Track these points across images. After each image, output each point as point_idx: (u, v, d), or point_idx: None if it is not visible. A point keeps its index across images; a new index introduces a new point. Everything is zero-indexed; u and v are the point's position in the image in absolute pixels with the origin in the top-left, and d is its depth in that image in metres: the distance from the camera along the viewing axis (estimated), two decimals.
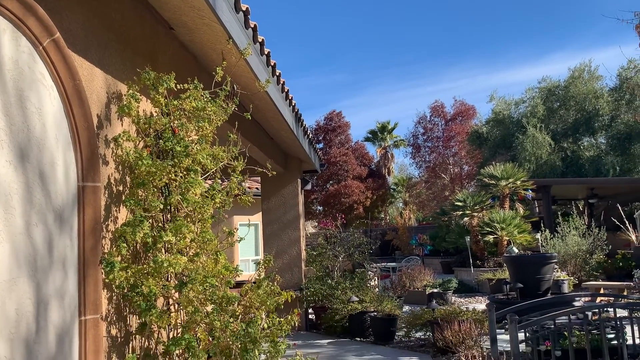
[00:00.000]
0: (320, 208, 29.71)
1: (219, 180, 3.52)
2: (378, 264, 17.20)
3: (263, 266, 3.63)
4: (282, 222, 10.06)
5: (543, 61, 56.06)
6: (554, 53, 57.52)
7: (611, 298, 7.46)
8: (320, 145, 30.23)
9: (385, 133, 35.42)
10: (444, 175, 32.51)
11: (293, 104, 6.59)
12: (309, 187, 10.73)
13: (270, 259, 3.63)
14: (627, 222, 15.57)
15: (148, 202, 3.04)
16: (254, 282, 3.46)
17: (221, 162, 3.47)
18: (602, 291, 11.96)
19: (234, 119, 5.06)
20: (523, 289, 9.65)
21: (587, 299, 10.08)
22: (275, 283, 3.54)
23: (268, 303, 3.32)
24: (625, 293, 11.59)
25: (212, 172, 3.52)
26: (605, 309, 5.55)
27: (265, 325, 4.01)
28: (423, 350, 7.53)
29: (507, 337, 6.67)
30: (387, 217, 35.04)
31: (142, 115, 3.29)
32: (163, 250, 3.19)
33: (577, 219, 15.01)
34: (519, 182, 16.22)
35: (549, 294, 10.04)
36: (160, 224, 3.21)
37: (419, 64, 63.97)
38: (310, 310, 10.16)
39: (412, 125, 34.16)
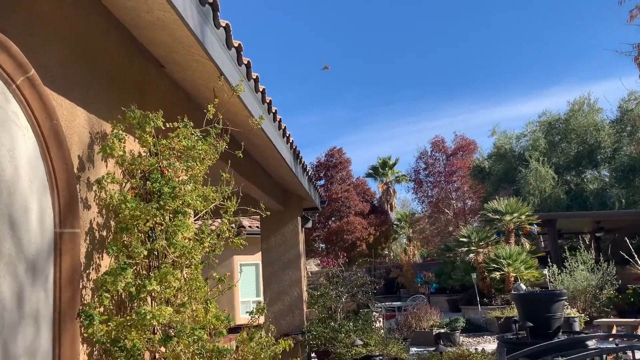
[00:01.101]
0: (323, 245, 29.34)
1: (209, 222, 3.30)
2: (383, 304, 16.78)
3: (256, 314, 3.35)
4: (282, 261, 9.78)
5: (542, 95, 56.53)
6: (552, 87, 58.05)
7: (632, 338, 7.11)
8: (322, 182, 30.11)
9: (387, 169, 35.37)
10: (447, 211, 32.23)
11: (291, 141, 6.44)
12: (309, 225, 10.50)
13: (264, 307, 3.34)
14: (635, 256, 15.23)
15: (132, 248, 2.83)
16: (247, 334, 3.20)
17: (212, 203, 3.27)
18: (615, 328, 11.54)
19: (228, 157, 4.89)
20: (533, 328, 9.28)
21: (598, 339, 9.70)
22: (270, 333, 3.27)
23: (262, 356, 3.05)
24: (638, 330, 11.18)
25: (202, 214, 3.32)
26: (624, 351, 5.22)
27: None
28: None
29: None
30: (391, 254, 34.60)
31: (128, 155, 3.12)
32: (149, 299, 2.97)
33: (585, 253, 14.68)
34: (523, 217, 15.97)
35: (560, 333, 9.65)
36: (145, 271, 2.99)
37: (418, 100, 64.56)
38: (313, 355, 9.78)
39: (414, 161, 34.30)
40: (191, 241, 3.10)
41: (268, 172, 8.04)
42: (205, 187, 3.38)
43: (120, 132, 3.00)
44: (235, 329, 9.69)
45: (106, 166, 3.07)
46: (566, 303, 10.98)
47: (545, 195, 20.97)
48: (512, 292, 13.97)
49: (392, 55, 62.59)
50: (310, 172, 8.74)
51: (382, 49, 61.99)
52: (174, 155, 3.18)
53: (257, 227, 14.82)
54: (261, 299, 10.16)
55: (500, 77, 61.40)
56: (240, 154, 3.49)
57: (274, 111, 5.18)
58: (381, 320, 12.60)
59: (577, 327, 11.59)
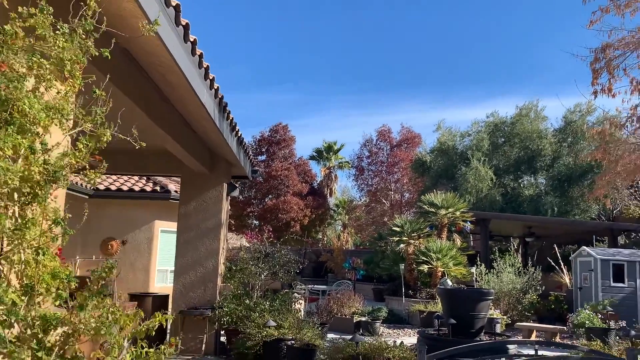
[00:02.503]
0: (257, 222, 28.48)
1: (48, 139, 2.43)
2: (308, 286, 16.22)
3: (102, 272, 2.49)
4: (200, 229, 8.93)
5: (491, 103, 57.63)
6: (503, 97, 59.25)
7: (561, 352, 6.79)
8: (263, 158, 29.14)
9: (331, 153, 34.80)
10: (384, 201, 32.09)
11: (215, 87, 5.58)
12: (236, 193, 9.68)
13: (112, 265, 2.48)
14: (562, 264, 15.37)
15: None
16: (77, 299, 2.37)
17: (65, 117, 2.40)
18: (534, 333, 11.45)
19: (121, 80, 4.00)
20: (456, 326, 8.92)
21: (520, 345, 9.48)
22: (118, 301, 2.46)
23: (106, 333, 2.25)
24: (558, 337, 11.13)
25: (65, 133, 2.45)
26: None
27: (128, 358, 2.97)
28: None
29: None
30: (325, 239, 34.21)
31: None
32: None
33: (515, 256, 14.63)
34: (458, 213, 15.76)
35: (483, 334, 9.36)
36: None
37: (372, 94, 64.43)
38: (222, 333, 9.03)
39: (358, 148, 33.73)
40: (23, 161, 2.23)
41: (193, 127, 7.14)
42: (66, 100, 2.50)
43: None
44: (140, 297, 8.75)
45: None
46: (491, 303, 10.71)
47: (482, 195, 21.01)
48: (439, 286, 13.72)
49: (351, 45, 61.97)
50: (241, 134, 7.90)
51: (344, 38, 61.20)
52: (16, 48, 2.29)
53: (176, 191, 13.82)
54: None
55: (452, 82, 62.03)
56: (107, 53, 2.61)
57: (192, 40, 4.32)
58: (302, 303, 12.00)
59: (498, 328, 11.40)
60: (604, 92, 11.17)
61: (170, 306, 8.94)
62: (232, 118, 6.93)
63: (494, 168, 21.98)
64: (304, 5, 59.84)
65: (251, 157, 9.65)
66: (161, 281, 14.73)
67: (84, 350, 3.02)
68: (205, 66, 4.96)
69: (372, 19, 57.62)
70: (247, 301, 8.85)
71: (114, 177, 14.96)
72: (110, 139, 2.76)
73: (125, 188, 14.13)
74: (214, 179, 8.97)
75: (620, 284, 13.12)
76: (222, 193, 9.00)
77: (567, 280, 15.25)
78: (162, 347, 3.20)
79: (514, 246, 15.79)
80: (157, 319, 3.28)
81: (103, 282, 2.34)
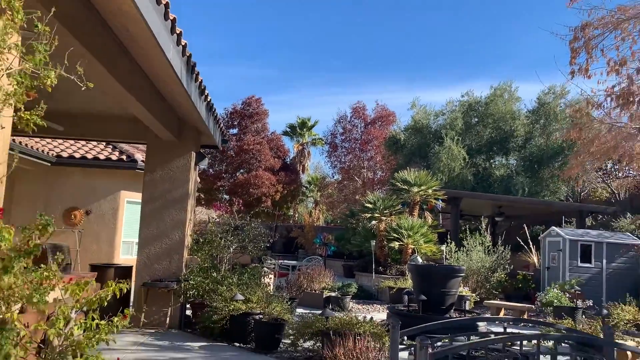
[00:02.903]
0: (227, 197, 28.07)
1: None
2: (278, 261, 16.02)
3: (35, 232, 2.16)
4: (166, 199, 8.57)
5: (467, 85, 57.69)
6: (479, 78, 59.43)
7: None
8: (234, 131, 28.59)
9: (305, 129, 34.43)
10: (357, 179, 31.98)
11: (183, 44, 5.19)
12: (205, 163, 9.31)
13: (48, 221, 2.15)
14: (531, 244, 15.51)
15: None
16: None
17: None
18: (503, 311, 11.51)
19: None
20: (426, 302, 8.84)
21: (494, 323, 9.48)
22: (53, 264, 2.16)
23: (37, 300, 1.94)
24: (525, 315, 11.20)
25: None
26: (533, 340, 4.64)
27: (76, 331, 2.69)
28: None
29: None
30: (296, 215, 34.03)
31: None
32: None
33: (486, 235, 14.67)
34: (430, 191, 15.70)
35: (453, 310, 9.32)
36: None
37: (345, 73, 63.89)
38: (188, 306, 8.75)
39: (332, 124, 33.40)
40: None
41: (160, 91, 6.74)
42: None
43: None
44: (101, 268, 8.37)
45: None
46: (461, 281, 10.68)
47: (454, 174, 21.02)
48: (410, 262, 13.69)
49: (325, 24, 61.06)
50: (210, 99, 7.51)
51: (315, 13, 60.17)
52: None
53: (142, 161, 13.32)
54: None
55: (425, 64, 61.85)
56: None
57: None
58: (272, 277, 11.80)
59: (467, 306, 11.42)
60: (581, 73, 11.08)
61: (133, 278, 8.60)
62: (201, 80, 6.55)
63: (466, 148, 22.00)
64: None
65: (221, 125, 9.28)
66: (126, 253, 14.33)
67: (29, 322, 2.71)
68: (171, 18, 4.57)
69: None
70: (215, 274, 8.58)
71: (79, 144, 14.37)
72: (55, 82, 2.42)
73: (89, 156, 13.59)
74: (181, 147, 8.58)
75: (587, 265, 13.29)
76: (190, 162, 8.63)
77: (535, 260, 15.42)
78: (115, 319, 2.92)
79: (482, 226, 15.87)
80: (111, 288, 3.00)
81: (38, 242, 2.02)
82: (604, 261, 13.31)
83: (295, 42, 64.10)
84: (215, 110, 8.18)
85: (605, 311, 6.11)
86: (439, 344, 4.96)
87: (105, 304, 2.98)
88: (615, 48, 11.40)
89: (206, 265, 8.84)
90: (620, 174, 20.15)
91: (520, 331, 8.91)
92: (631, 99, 7.71)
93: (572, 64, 11.27)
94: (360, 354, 4.96)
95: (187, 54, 5.50)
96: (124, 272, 8.65)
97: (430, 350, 3.69)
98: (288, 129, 34.58)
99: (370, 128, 31.05)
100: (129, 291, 9.09)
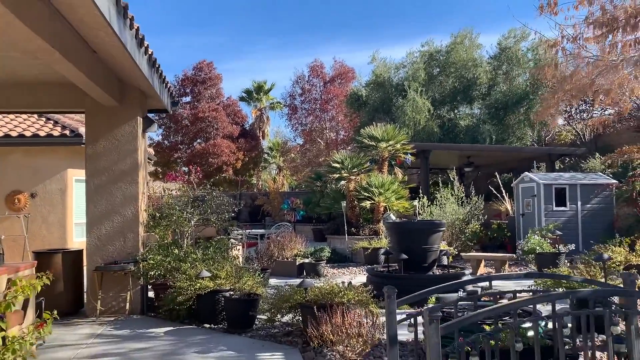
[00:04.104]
0: (186, 169, 26.87)
1: None
2: (245, 231, 15.25)
3: None
4: (114, 172, 7.61)
5: (426, 37, 56.54)
6: (438, 30, 58.63)
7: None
8: (187, 99, 27.19)
9: (262, 94, 33.26)
10: (319, 140, 31.18)
11: None
12: (154, 129, 8.33)
13: None
14: (503, 192, 15.19)
15: None
16: None
17: None
18: (483, 262, 11.13)
19: None
20: (407, 261, 8.27)
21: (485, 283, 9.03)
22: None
23: None
24: (507, 265, 10.85)
25: None
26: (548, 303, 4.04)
27: None
28: (290, 342, 5.74)
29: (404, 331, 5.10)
30: (260, 183, 33.15)
31: None
32: None
33: (458, 186, 14.22)
34: (399, 145, 15.09)
35: (436, 267, 8.80)
36: None
37: (299, 35, 62.12)
38: (150, 288, 7.93)
39: (290, 85, 32.26)
40: None
41: (90, 43, 5.71)
42: None
43: None
44: (47, 254, 7.42)
45: None
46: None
47: (420, 127, 20.46)
48: (386, 221, 13.15)
49: None
50: (152, 52, 6.52)
51: None
52: None
53: (78, 134, 12.19)
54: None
55: (381, 21, 60.51)
56: None
57: None
58: (240, 249, 11.03)
59: (445, 260, 10.98)
60: (549, 7, 10.46)
61: (85, 262, 7.70)
62: (138, 28, 5.56)
63: (430, 99, 21.40)
64: None
65: (169, 84, 8.28)
66: (81, 236, 13.22)
67: None
68: None
69: None
70: (176, 251, 7.76)
71: (15, 122, 13.05)
72: None
73: (28, 134, 12.33)
74: (125, 112, 7.59)
75: (563, 208, 13.03)
76: (137, 129, 7.66)
77: (509, 207, 15.13)
78: (28, 328, 2.12)
79: (454, 177, 15.46)
80: (24, 287, 2.17)
81: None
82: (579, 203, 13.08)
83: (243, 8, 61.70)
84: (159, 66, 7.19)
85: (605, 255, 5.61)
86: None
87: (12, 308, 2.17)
88: None
89: (166, 241, 8.00)
90: (585, 115, 20.03)
91: (501, 283, 8.50)
92: (616, 25, 7.13)
93: None
94: (351, 330, 4.28)
95: None
96: (74, 258, 7.73)
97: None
98: (244, 94, 33.32)
99: (330, 87, 30.10)
100: (82, 277, 8.22)
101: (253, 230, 16.37)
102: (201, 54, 66.18)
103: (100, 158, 7.60)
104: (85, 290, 7.75)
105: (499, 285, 7.91)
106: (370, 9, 59.34)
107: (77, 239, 13.05)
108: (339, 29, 61.51)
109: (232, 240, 10.28)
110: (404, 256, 8.23)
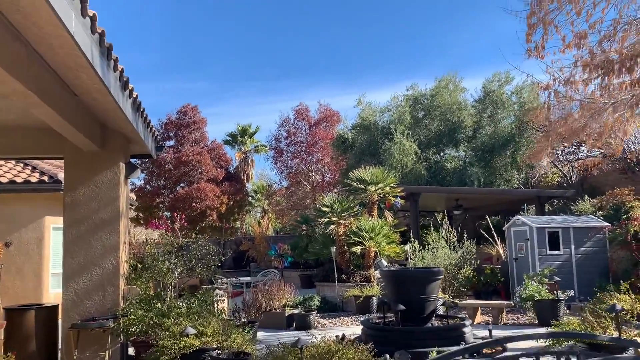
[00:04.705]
0: (168, 214, 26.24)
1: None
2: (230, 279, 14.68)
3: None
4: (93, 221, 7.17)
5: (410, 81, 57.47)
6: (421, 74, 59.51)
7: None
8: (171, 143, 26.85)
9: (246, 137, 33.08)
10: (305, 183, 30.90)
11: (91, 15, 3.93)
12: (137, 175, 7.96)
13: None
14: (495, 235, 14.92)
15: None
16: None
17: None
18: (479, 310, 10.72)
19: None
20: (405, 312, 7.85)
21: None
22: None
23: None
24: (504, 313, 10.45)
25: None
26: None
27: None
28: None
29: None
30: (244, 227, 32.57)
31: None
32: None
33: (451, 230, 13.92)
34: (388, 188, 14.83)
35: (434, 318, 8.37)
36: None
37: (285, 80, 62.85)
38: (130, 344, 7.37)
39: (275, 128, 32.13)
40: None
41: (71, 86, 5.39)
42: None
43: None
44: (18, 311, 6.85)
45: None
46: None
47: (407, 170, 20.32)
48: (381, 269, 12.74)
49: (260, 32, 59.79)
50: (137, 95, 6.22)
51: (250, 22, 58.79)
52: None
53: (57, 181, 11.73)
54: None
55: (364, 67, 61.46)
56: None
57: None
58: (226, 300, 10.49)
59: (441, 310, 10.53)
60: (537, 51, 10.48)
61: (60, 318, 7.14)
62: (122, 70, 5.26)
63: (417, 142, 21.37)
64: None
65: (154, 129, 7.95)
66: (57, 286, 12.51)
67: None
68: None
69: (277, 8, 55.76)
70: (159, 305, 7.24)
71: None
72: None
73: (4, 180, 11.81)
74: (107, 158, 7.21)
75: (557, 252, 12.75)
76: (119, 175, 7.27)
77: (501, 251, 14.83)
78: None
79: (445, 221, 15.20)
80: None
81: None
82: (572, 247, 12.82)
83: (228, 54, 62.36)
84: (144, 110, 6.87)
85: (618, 306, 5.29)
86: None
87: None
88: (570, 24, 10.86)
89: (148, 295, 7.49)
90: (571, 157, 20.10)
91: (500, 332, 8.07)
92: (611, 67, 7.04)
93: (529, 41, 10.64)
94: None
95: (99, 31, 4.23)
96: (47, 314, 7.20)
97: None
98: (229, 138, 33.11)
99: (315, 130, 30.06)
100: (56, 335, 7.63)
101: (239, 278, 15.79)
102: (186, 99, 66.35)
103: (80, 206, 7.16)
104: (59, 348, 7.17)
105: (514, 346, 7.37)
106: (355, 54, 60.40)
107: (53, 290, 12.39)
108: (323, 73, 62.35)
109: (217, 291, 9.77)
110: (402, 307, 7.81)
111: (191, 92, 62.89)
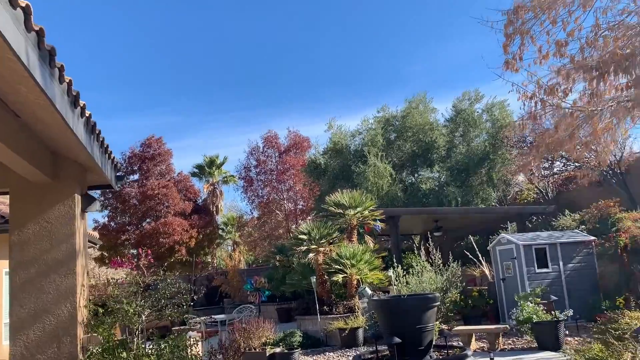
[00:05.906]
0: (134, 251, 24.96)
1: None
2: (203, 318, 13.66)
3: None
4: (45, 262, 6.26)
5: (380, 103, 57.34)
6: (391, 97, 59.49)
7: None
8: (135, 177, 25.75)
9: (214, 168, 32.15)
10: (278, 212, 30.03)
11: (37, 29, 3.20)
12: (96, 208, 7.10)
13: None
14: (480, 255, 14.40)
15: None
16: None
17: None
18: (474, 336, 10.05)
19: None
20: (401, 345, 7.12)
21: None
22: None
23: None
24: (501, 337, 9.81)
25: None
26: None
27: None
28: None
29: None
30: (215, 261, 31.35)
31: None
32: None
33: (436, 253, 13.31)
34: (367, 212, 14.19)
35: (432, 349, 7.65)
36: None
37: (250, 110, 62.39)
38: None
39: (244, 158, 31.25)
40: None
41: (11, 105, 4.61)
42: None
43: None
44: None
45: None
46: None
47: (383, 192, 19.79)
48: (362, 296, 12.02)
49: (221, 64, 59.31)
50: (90, 114, 5.44)
51: (212, 53, 58.25)
52: None
53: (2, 216, 10.70)
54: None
55: (349, 85, 61.27)
56: None
57: None
58: (200, 343, 9.54)
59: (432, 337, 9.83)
60: (514, 63, 10.15)
61: None
62: (71, 82, 4.50)
63: (391, 164, 20.93)
64: (167, 24, 56.05)
65: (113, 156, 7.13)
66: (6, 339, 11.38)
67: None
68: None
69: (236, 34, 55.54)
70: (124, 354, 6.33)
71: None
72: None
73: None
74: (60, 190, 6.35)
75: (545, 269, 12.27)
76: (74, 208, 6.39)
77: (487, 272, 14.29)
78: None
79: (416, 243, 14.65)
80: None
81: None
82: (561, 263, 12.37)
83: (192, 86, 61.58)
84: (99, 133, 6.07)
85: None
86: None
87: None
88: (545, 33, 10.58)
89: (111, 344, 6.56)
90: (546, 173, 19.92)
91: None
92: (606, 69, 6.63)
93: (506, 52, 10.30)
94: None
95: (36, 29, 3.47)
96: None
97: None
98: (196, 170, 32.11)
99: (286, 157, 29.37)
100: None
101: (212, 316, 14.74)
102: (152, 133, 64.99)
103: (29, 246, 6.25)
104: None
105: None
106: (322, 80, 60.37)
107: (6, 342, 11.17)
108: (291, 102, 62.00)
109: (191, 333, 8.84)
110: (397, 340, 7.06)
111: (158, 128, 61.83)
